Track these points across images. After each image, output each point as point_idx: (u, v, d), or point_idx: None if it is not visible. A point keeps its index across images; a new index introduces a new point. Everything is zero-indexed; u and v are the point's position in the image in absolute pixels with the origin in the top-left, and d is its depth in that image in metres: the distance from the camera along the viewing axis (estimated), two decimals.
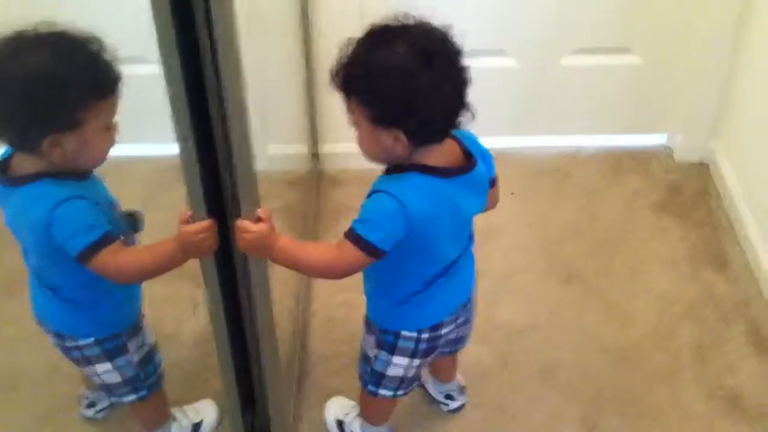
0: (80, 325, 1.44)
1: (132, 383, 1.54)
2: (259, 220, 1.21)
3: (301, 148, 2.50)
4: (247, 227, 1.20)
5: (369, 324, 1.49)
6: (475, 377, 1.85)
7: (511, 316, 2.02)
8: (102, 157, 1.31)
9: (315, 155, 2.52)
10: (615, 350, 1.93)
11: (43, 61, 1.19)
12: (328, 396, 1.82)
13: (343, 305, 2.05)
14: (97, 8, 2.13)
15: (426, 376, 1.80)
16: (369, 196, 1.27)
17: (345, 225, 2.26)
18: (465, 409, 1.81)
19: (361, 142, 1.28)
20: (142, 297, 1.53)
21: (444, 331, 1.46)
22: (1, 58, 1.20)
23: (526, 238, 2.27)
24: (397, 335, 1.44)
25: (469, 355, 1.89)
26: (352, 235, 1.25)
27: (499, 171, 2.54)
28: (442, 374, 1.77)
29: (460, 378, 1.81)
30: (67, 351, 1.48)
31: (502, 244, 2.23)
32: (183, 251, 1.23)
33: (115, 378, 1.51)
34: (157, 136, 2.03)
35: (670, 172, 2.50)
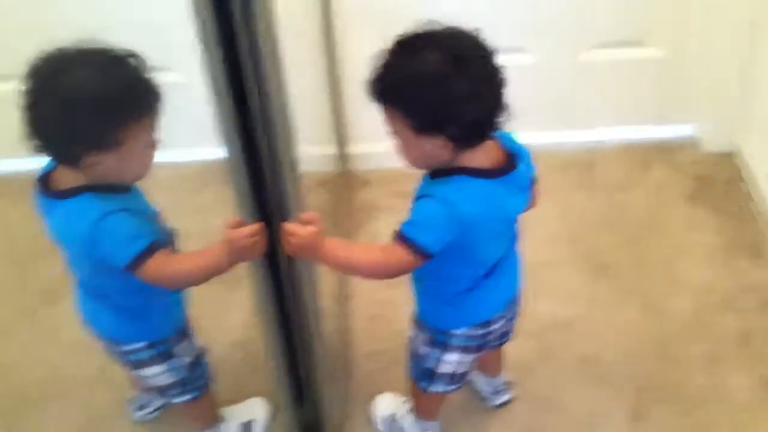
0: (131, 331, 1.46)
1: (183, 385, 1.56)
2: (305, 222, 1.23)
3: (329, 149, 2.51)
4: (295, 230, 1.22)
5: (418, 322, 1.50)
6: (518, 371, 1.86)
7: (550, 310, 2.02)
8: (143, 172, 1.33)
9: (343, 156, 2.53)
10: (654, 341, 1.94)
11: (84, 83, 1.21)
12: (375, 393, 1.83)
13: (383, 302, 2.06)
14: (120, 17, 2.17)
15: (474, 371, 1.80)
16: (417, 199, 1.28)
17: (375, 225, 2.30)
18: (511, 404, 1.82)
19: (404, 152, 1.28)
20: (186, 301, 1.56)
21: (494, 327, 1.47)
22: (44, 76, 1.22)
23: (556, 232, 2.27)
24: (448, 333, 1.45)
25: (512, 349, 1.89)
26: (400, 237, 1.25)
27: None
28: (489, 369, 1.78)
29: (506, 372, 1.82)
30: (118, 355, 1.50)
31: (533, 239, 2.21)
32: (232, 255, 1.25)
33: (166, 380, 1.53)
34: (178, 141, 2.07)
35: (697, 163, 2.50)
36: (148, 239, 1.27)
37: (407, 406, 1.74)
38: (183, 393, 1.58)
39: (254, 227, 1.21)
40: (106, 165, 1.24)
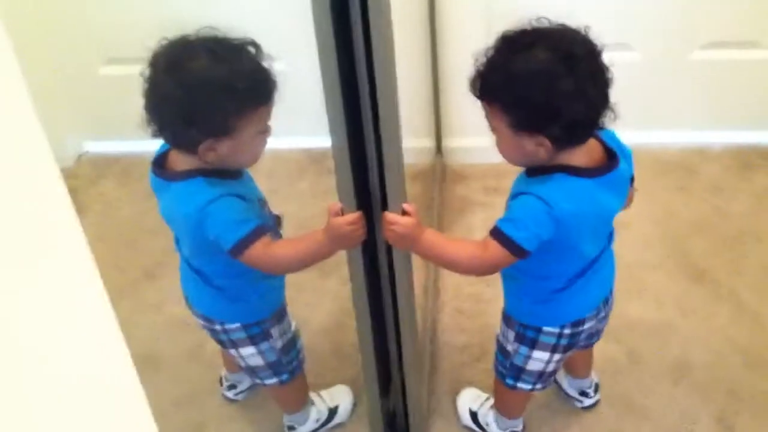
0: (228, 311, 1.50)
1: (274, 367, 1.59)
2: (404, 213, 1.25)
3: (426, 142, 2.53)
4: (395, 220, 1.24)
5: (508, 319, 1.50)
6: (606, 374, 1.84)
7: (641, 313, 2.00)
8: (255, 158, 1.36)
9: (439, 149, 2.55)
10: (749, 351, 1.89)
11: (206, 71, 1.24)
12: (460, 387, 1.84)
13: (470, 297, 2.07)
14: (225, 5, 2.22)
15: (560, 371, 1.79)
16: (514, 197, 1.28)
17: (469, 219, 2.30)
18: (596, 406, 1.80)
19: (503, 148, 1.28)
20: (285, 286, 1.59)
21: (586, 326, 1.46)
22: (167, 63, 1.26)
23: (653, 234, 2.24)
24: (539, 330, 1.45)
25: (600, 351, 1.88)
26: (497, 233, 1.25)
27: None
28: (577, 370, 1.76)
29: (594, 375, 1.80)
30: (214, 334, 1.55)
31: (629, 240, 2.21)
32: (333, 242, 1.28)
33: (258, 362, 1.57)
34: (278, 129, 2.13)
35: None
36: (252, 224, 1.30)
37: (491, 402, 1.74)
38: (274, 375, 1.61)
39: (355, 215, 1.24)
40: (220, 151, 1.28)
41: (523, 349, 1.49)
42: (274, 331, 1.54)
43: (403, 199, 1.26)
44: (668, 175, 2.46)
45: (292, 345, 1.60)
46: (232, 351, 1.57)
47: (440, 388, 1.86)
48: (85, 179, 2.62)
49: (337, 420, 1.80)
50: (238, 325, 1.51)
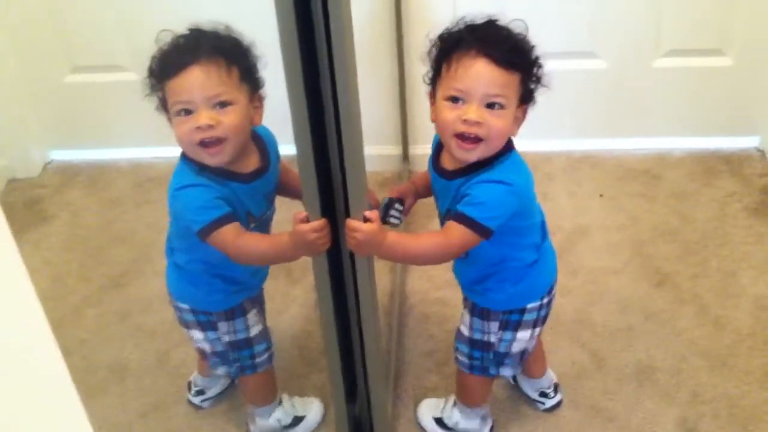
0: (180, 290, 1.56)
1: (221, 356, 1.62)
2: (366, 220, 1.27)
3: (392, 150, 2.55)
4: (357, 227, 1.26)
5: (487, 313, 1.52)
6: (570, 378, 1.86)
7: (604, 317, 2.02)
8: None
9: (406, 156, 2.56)
10: (711, 353, 1.92)
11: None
12: (425, 392, 1.85)
13: (437, 302, 2.08)
14: (190, 15, 2.23)
15: (519, 375, 1.81)
16: (474, 186, 1.33)
17: (436, 225, 2.30)
18: (561, 410, 1.81)
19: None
20: (253, 293, 1.62)
21: (554, 290, 1.53)
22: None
23: (616, 239, 2.27)
24: (523, 311, 1.50)
25: (564, 355, 1.90)
26: (461, 218, 1.31)
27: (589, 172, 2.56)
28: (533, 369, 1.78)
29: (552, 374, 1.82)
30: (174, 307, 1.60)
31: (593, 245, 2.24)
32: (297, 248, 1.31)
33: (206, 347, 1.61)
34: None
35: (764, 176, 2.48)
36: (223, 210, 1.35)
37: (452, 400, 1.74)
38: (222, 364, 1.64)
39: (320, 223, 1.26)
40: None
41: (508, 335, 1.53)
42: (222, 326, 1.57)
43: (365, 206, 1.28)
44: (632, 181, 2.49)
45: (244, 345, 1.61)
46: (184, 330, 1.61)
47: (406, 393, 1.87)
48: (51, 188, 2.60)
49: (300, 430, 1.79)
50: (187, 307, 1.55)
